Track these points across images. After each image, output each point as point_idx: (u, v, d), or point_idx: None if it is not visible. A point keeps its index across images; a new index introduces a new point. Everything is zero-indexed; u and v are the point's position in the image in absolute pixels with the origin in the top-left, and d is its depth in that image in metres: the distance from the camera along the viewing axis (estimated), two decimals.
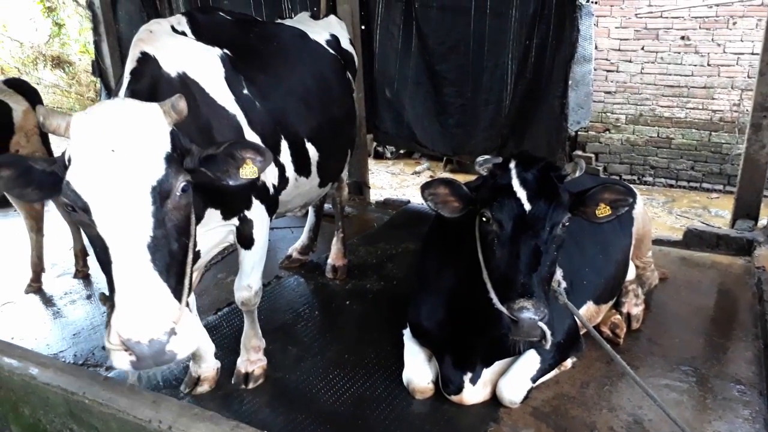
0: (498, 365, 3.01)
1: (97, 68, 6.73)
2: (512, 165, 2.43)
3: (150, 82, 2.48)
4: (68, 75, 10.77)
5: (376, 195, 6.79)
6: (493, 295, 2.37)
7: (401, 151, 10.53)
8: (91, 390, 2.07)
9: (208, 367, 3.22)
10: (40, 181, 1.93)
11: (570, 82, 4.98)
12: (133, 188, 1.77)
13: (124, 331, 1.68)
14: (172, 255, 1.85)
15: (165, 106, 1.93)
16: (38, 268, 4.62)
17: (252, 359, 3.31)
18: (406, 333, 3.26)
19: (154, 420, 1.93)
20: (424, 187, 2.52)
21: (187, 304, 1.92)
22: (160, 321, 1.71)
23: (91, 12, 6.47)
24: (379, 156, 10.58)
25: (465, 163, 9.26)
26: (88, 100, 10.76)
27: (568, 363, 3.17)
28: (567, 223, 2.42)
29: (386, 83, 5.59)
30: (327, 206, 4.92)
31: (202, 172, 2.05)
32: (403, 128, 5.73)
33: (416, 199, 7.54)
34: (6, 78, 4.94)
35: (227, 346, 3.59)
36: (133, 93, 2.41)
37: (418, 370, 3.11)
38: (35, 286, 4.59)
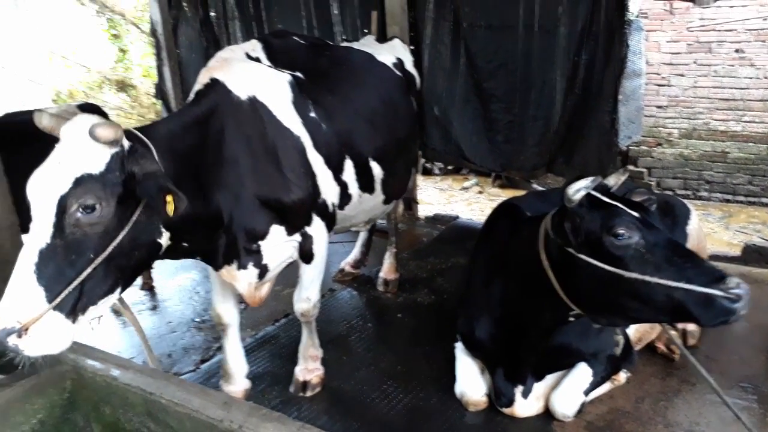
0: (550, 378, 3.04)
1: (159, 91, 7.08)
2: (595, 191, 2.37)
3: (210, 105, 2.67)
4: (131, 98, 11.34)
5: (424, 210, 6.88)
6: (683, 288, 2.11)
7: (449, 168, 10.60)
8: (167, 390, 2.21)
9: (235, 387, 3.31)
10: None
11: (620, 97, 4.96)
12: (45, 200, 1.96)
13: None
14: (64, 264, 1.96)
15: (92, 131, 2.03)
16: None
17: (310, 368, 3.43)
18: (458, 346, 3.32)
19: (225, 420, 2.05)
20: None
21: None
22: (6, 317, 1.87)
23: (154, 38, 6.82)
24: (427, 172, 10.67)
25: (514, 179, 9.26)
26: (149, 121, 11.29)
27: (622, 377, 3.17)
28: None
29: (434, 101, 5.69)
30: (378, 221, 5.03)
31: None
32: (451, 145, 5.80)
33: (465, 215, 7.61)
34: (79, 102, 5.31)
35: (285, 356, 3.73)
36: (193, 108, 2.64)
37: (471, 382, 3.17)
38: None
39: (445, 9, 5.34)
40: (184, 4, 6.66)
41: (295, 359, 3.47)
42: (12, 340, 1.87)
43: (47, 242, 1.94)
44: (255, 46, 3.21)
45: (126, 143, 2.13)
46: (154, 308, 4.73)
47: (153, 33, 6.78)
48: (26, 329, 1.88)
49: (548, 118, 5.20)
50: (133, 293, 4.94)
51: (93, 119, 2.09)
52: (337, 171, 3.13)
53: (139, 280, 5.07)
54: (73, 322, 2.02)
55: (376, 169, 3.46)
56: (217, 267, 2.88)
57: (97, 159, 2.03)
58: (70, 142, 2.04)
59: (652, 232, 2.26)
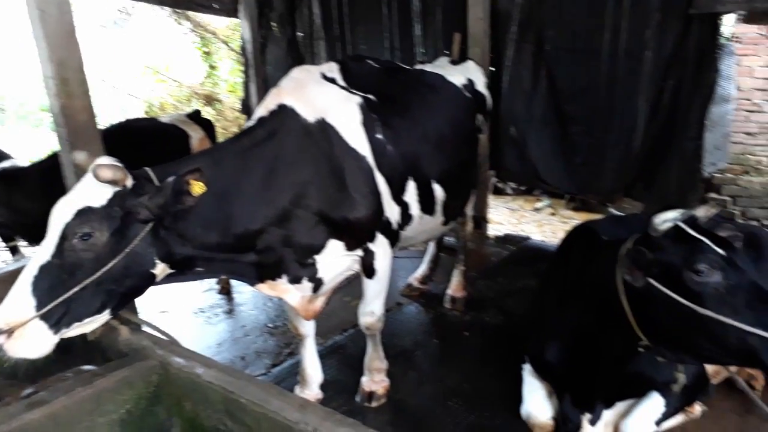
0: (620, 406, 2.97)
1: (245, 106, 7.43)
2: (685, 226, 2.31)
3: (269, 131, 2.77)
4: (216, 111, 11.92)
5: (494, 230, 6.85)
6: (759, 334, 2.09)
7: (522, 188, 10.49)
8: (247, 390, 2.33)
9: (310, 393, 3.45)
10: None
11: (706, 123, 4.80)
12: (55, 224, 2.24)
13: None
14: (57, 280, 2.19)
15: (93, 170, 2.29)
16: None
17: (375, 379, 3.51)
18: (526, 367, 3.30)
19: (301, 422, 2.14)
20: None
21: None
22: None
23: (243, 56, 7.16)
24: (498, 192, 10.60)
25: (589, 202, 9.05)
26: (231, 133, 11.83)
27: (697, 410, 3.05)
28: None
29: (512, 122, 5.69)
30: (446, 239, 5.07)
31: (167, 211, 2.36)
32: (526, 165, 5.76)
33: (535, 236, 7.50)
34: (188, 112, 5.76)
35: (352, 365, 3.82)
36: (242, 138, 2.76)
37: (538, 405, 3.14)
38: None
39: (528, 32, 5.35)
40: (273, 24, 6.98)
41: (362, 369, 3.56)
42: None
43: (47, 260, 2.20)
44: (332, 68, 3.31)
45: (130, 183, 2.35)
46: (229, 312, 4.96)
47: (243, 51, 7.11)
48: (12, 332, 2.11)
49: (630, 142, 5.09)
50: (211, 298, 5.20)
51: (102, 160, 2.35)
52: (399, 192, 3.20)
53: (216, 285, 5.34)
54: (55, 333, 2.22)
55: (438, 192, 3.50)
56: (252, 283, 2.95)
57: (100, 195, 2.29)
58: (87, 180, 2.34)
59: (736, 273, 2.19)
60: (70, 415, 2.39)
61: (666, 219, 2.26)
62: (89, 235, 2.24)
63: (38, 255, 2.23)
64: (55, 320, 2.22)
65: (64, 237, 2.23)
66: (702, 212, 2.44)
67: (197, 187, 2.39)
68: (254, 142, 2.74)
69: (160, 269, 2.50)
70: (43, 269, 2.19)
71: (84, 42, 3.23)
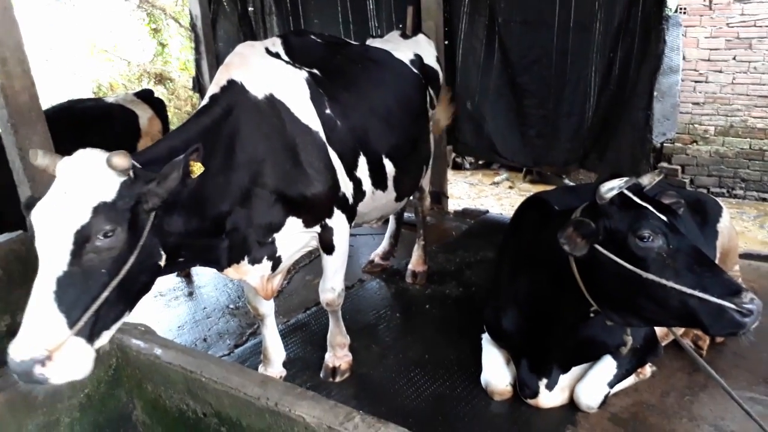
0: (575, 370, 3.08)
1: (197, 84, 7.26)
2: (626, 190, 2.41)
3: (224, 110, 2.70)
4: (169, 90, 11.62)
5: (454, 205, 6.93)
6: (697, 296, 2.17)
7: (480, 162, 10.61)
8: (207, 369, 2.32)
9: (273, 371, 3.45)
10: None
11: (655, 93, 4.92)
12: (59, 229, 1.99)
13: (10, 344, 1.88)
14: (82, 290, 2.00)
15: (109, 160, 2.09)
16: None
17: (338, 355, 3.54)
18: (485, 336, 3.39)
19: (262, 397, 2.16)
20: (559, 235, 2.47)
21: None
22: (32, 346, 1.87)
23: (193, 32, 6.99)
24: (457, 167, 10.70)
25: (545, 174, 9.23)
26: (185, 113, 11.56)
27: (647, 371, 3.19)
28: None
29: (468, 96, 5.73)
30: (407, 215, 5.11)
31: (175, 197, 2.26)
32: (483, 140, 5.83)
33: (494, 209, 7.62)
34: (137, 90, 5.58)
35: (316, 342, 3.85)
36: (202, 117, 2.66)
37: (497, 372, 3.23)
38: None
39: (480, 4, 5.37)
40: None
41: (325, 346, 3.58)
42: (38, 370, 1.87)
43: (64, 270, 1.97)
44: (275, 42, 3.26)
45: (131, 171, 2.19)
46: (190, 294, 4.90)
47: (192, 27, 6.95)
48: (50, 357, 1.89)
49: (582, 113, 5.20)
50: (171, 281, 5.12)
51: (95, 153, 2.17)
52: (351, 167, 3.18)
53: None
54: (92, 346, 2.05)
55: (389, 167, 3.50)
56: (221, 268, 2.88)
57: (108, 187, 2.10)
58: (77, 175, 2.10)
59: (677, 238, 2.30)
60: (26, 401, 2.35)
61: (611, 187, 2.33)
62: (112, 233, 2.05)
63: (46, 269, 1.98)
64: (89, 333, 2.02)
65: (82, 240, 2.00)
66: (647, 180, 2.54)
67: (197, 168, 2.28)
68: (213, 120, 2.67)
69: (163, 260, 2.37)
70: (62, 281, 1.97)
71: (23, 20, 3.10)
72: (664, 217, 2.34)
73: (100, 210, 2.05)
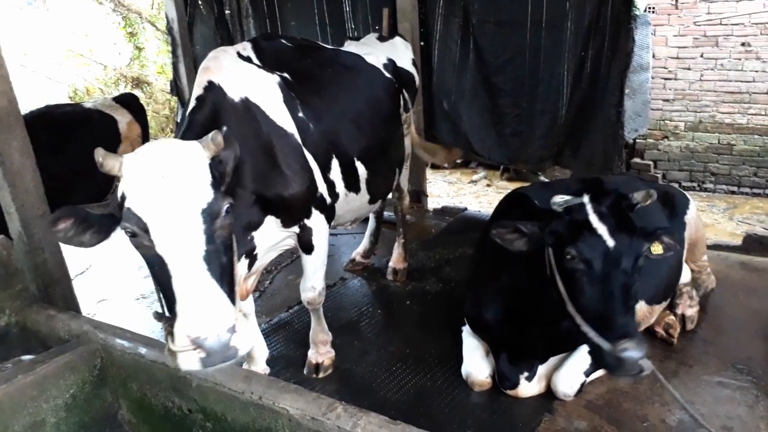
0: (553, 360, 3.17)
1: (175, 87, 7.26)
2: (586, 200, 2.46)
3: (212, 108, 2.76)
4: (146, 94, 11.53)
5: (433, 203, 7.02)
6: (586, 327, 2.41)
7: (458, 161, 10.71)
8: None
9: (257, 369, 3.46)
10: (99, 224, 2.14)
11: (627, 90, 5.06)
12: (188, 210, 2.00)
13: (193, 331, 1.90)
14: (222, 266, 2.06)
15: (204, 142, 2.15)
16: None
17: (321, 351, 3.60)
18: (465, 329, 3.47)
19: (246, 392, 2.22)
20: (492, 229, 2.66)
21: (240, 309, 2.14)
22: (224, 319, 1.94)
23: (170, 36, 6.98)
24: (436, 166, 10.78)
25: (522, 172, 9.37)
26: (163, 116, 11.50)
27: None
28: (646, 253, 2.45)
29: (444, 96, 5.82)
30: (387, 213, 5.18)
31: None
32: (460, 138, 5.93)
33: (473, 207, 7.73)
34: (116, 95, 5.57)
35: (299, 340, 3.90)
36: (195, 118, 2.71)
37: (477, 364, 3.31)
38: None
39: (454, 5, 5.47)
40: (200, 2, 6.83)
41: (308, 343, 3.63)
42: (233, 341, 1.93)
43: (203, 250, 2.00)
44: (246, 47, 3.30)
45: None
46: None
47: (169, 30, 6.93)
48: (234, 329, 1.95)
49: (555, 111, 5.32)
50: (152, 283, 5.11)
51: (170, 140, 2.24)
52: (324, 170, 3.23)
53: None
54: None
55: (361, 169, 3.54)
56: None
57: (204, 168, 2.12)
58: (171, 162, 2.06)
59: (605, 267, 2.35)
60: (12, 402, 2.38)
61: (564, 200, 2.50)
62: (231, 209, 2.12)
63: (184, 253, 1.98)
64: (238, 305, 2.10)
65: (212, 218, 2.04)
66: (639, 197, 2.50)
67: None
68: (206, 118, 2.72)
69: None
70: (209, 259, 2.00)
71: None
72: (611, 242, 2.36)
73: (215, 188, 2.10)
